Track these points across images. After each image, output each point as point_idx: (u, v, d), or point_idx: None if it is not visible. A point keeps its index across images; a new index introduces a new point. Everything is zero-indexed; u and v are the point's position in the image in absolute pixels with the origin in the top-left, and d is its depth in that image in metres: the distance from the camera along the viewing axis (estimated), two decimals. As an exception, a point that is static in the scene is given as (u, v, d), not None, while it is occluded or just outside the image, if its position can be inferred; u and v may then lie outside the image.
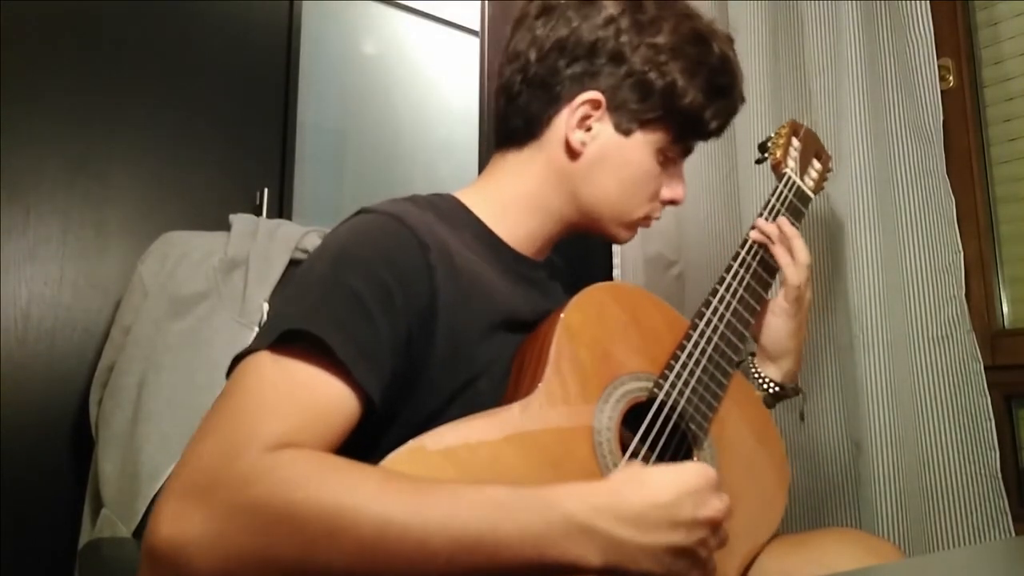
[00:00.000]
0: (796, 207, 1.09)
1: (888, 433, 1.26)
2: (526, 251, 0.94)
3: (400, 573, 0.59)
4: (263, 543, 0.58)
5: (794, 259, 1.01)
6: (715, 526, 0.67)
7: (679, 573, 0.65)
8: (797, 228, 1.06)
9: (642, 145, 0.91)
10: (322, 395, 0.69)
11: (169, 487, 0.62)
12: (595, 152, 0.91)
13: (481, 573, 0.60)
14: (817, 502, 1.39)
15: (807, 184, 1.13)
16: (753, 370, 1.03)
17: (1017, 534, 1.17)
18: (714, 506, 0.67)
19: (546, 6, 0.93)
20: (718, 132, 0.97)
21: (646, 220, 0.97)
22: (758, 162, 1.18)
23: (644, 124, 0.91)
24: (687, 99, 0.90)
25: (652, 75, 0.89)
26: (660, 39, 0.89)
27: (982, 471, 1.19)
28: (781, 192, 1.09)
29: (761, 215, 1.06)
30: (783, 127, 1.17)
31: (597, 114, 0.90)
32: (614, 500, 0.64)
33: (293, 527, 0.58)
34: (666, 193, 0.96)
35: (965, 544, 1.19)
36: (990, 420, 1.19)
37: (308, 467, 0.62)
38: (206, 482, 0.61)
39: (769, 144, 1.15)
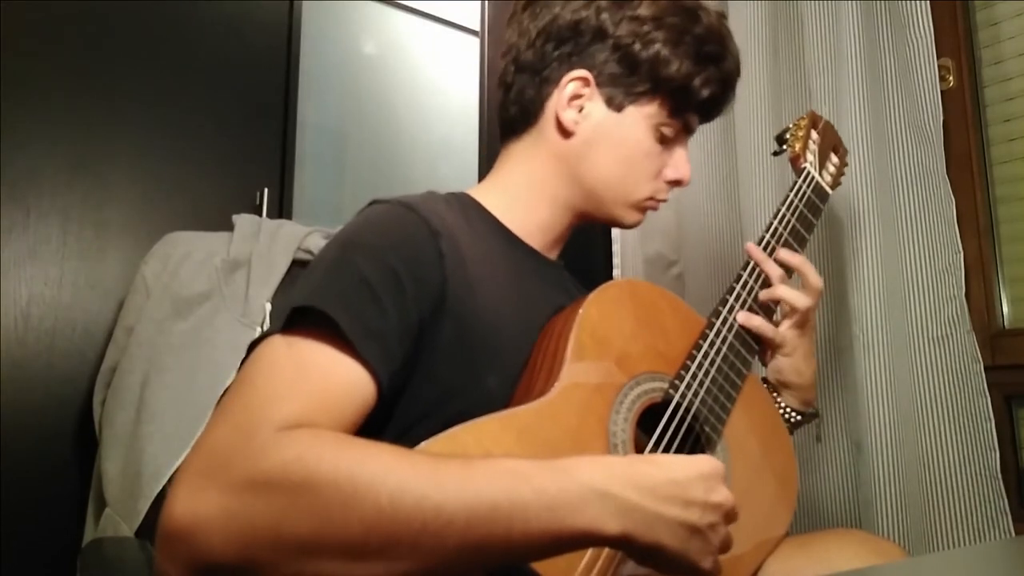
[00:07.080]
0: (814, 203, 1.05)
1: (888, 433, 1.26)
2: (538, 245, 0.94)
3: (416, 544, 0.58)
4: (278, 516, 0.58)
5: (804, 285, 0.99)
6: (725, 514, 0.67)
7: (693, 553, 0.64)
8: (814, 224, 1.03)
9: (637, 120, 0.91)
10: (334, 375, 0.69)
11: (183, 469, 0.62)
12: (589, 131, 0.91)
13: (497, 543, 0.59)
14: (817, 502, 1.39)
15: (825, 179, 1.09)
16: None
17: (1017, 534, 1.17)
18: (724, 493, 0.67)
19: None
20: (713, 105, 0.95)
21: (652, 201, 0.95)
22: (775, 154, 1.14)
23: (635, 98, 0.91)
24: (673, 68, 0.90)
25: (636, 47, 0.89)
26: (641, 11, 0.90)
27: (982, 471, 1.20)
28: (800, 187, 1.05)
29: (777, 214, 1.03)
30: (802, 119, 1.12)
31: (587, 92, 0.91)
32: (629, 471, 0.63)
33: (309, 498, 0.58)
34: (669, 173, 0.95)
35: (965, 544, 1.19)
36: (990, 420, 1.19)
37: (322, 442, 0.62)
38: (220, 461, 0.60)
39: (787, 136, 1.10)
